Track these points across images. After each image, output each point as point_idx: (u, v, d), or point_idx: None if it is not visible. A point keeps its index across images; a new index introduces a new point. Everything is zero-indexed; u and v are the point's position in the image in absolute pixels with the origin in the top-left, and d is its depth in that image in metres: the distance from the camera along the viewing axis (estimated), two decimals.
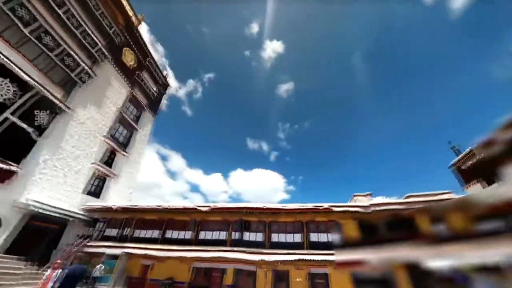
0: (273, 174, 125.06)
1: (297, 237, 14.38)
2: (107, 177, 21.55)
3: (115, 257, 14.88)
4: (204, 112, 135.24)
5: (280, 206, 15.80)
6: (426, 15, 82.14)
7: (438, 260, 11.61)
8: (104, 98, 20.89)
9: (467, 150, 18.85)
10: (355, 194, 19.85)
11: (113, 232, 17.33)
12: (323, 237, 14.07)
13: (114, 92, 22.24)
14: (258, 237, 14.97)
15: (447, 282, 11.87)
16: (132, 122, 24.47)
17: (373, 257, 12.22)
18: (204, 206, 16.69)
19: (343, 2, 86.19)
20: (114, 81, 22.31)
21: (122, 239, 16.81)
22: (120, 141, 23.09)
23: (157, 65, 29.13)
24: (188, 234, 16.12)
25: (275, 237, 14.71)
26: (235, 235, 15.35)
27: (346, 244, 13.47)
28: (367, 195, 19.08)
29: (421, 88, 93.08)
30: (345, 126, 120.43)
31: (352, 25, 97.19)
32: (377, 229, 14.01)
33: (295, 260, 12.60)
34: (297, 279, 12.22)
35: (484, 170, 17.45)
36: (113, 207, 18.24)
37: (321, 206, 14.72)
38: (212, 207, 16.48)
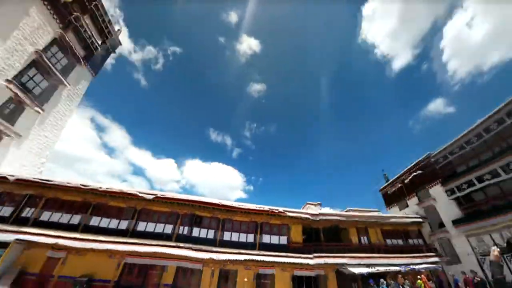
0: (233, 171, 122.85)
1: (250, 237, 14.75)
2: (3, 136, 15.73)
3: (3, 245, 11.09)
4: (163, 87, 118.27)
5: (237, 204, 15.77)
6: (376, 67, 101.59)
7: (360, 266, 14.26)
8: (14, 29, 15.02)
9: (390, 180, 24.58)
10: (308, 202, 22.05)
11: (5, 211, 12.79)
12: (274, 239, 15.00)
13: (33, 26, 16.31)
14: (210, 234, 14.44)
15: (364, 284, 14.68)
16: (57, 72, 18.71)
17: (313, 260, 13.97)
18: (149, 194, 14.74)
19: (317, 27, 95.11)
20: (35, 12, 16.37)
21: (18, 221, 12.66)
22: (33, 92, 17.26)
23: (105, 13, 23.31)
24: (123, 224, 13.77)
25: (227, 236, 14.57)
26: (184, 230, 14.28)
27: (293, 247, 15.19)
28: (317, 204, 21.56)
29: (370, 121, 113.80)
30: (307, 138, 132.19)
31: (323, 49, 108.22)
32: (319, 235, 16.35)
33: (246, 260, 12.88)
34: (245, 279, 12.50)
35: (397, 198, 23.36)
36: (8, 177, 13.53)
37: (277, 210, 15.68)
38: (159, 195, 14.73)
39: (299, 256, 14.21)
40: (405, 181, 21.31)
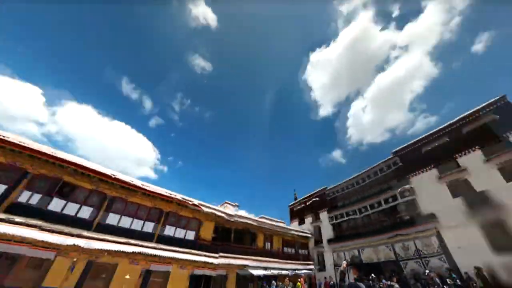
0: (145, 142, 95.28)
1: (149, 226, 11.30)
2: None
3: None
4: None
5: (139, 183, 12.11)
6: (308, 106, 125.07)
7: (259, 268, 14.59)
8: None
9: (297, 199, 28.43)
10: (227, 201, 20.69)
11: None
12: (179, 233, 12.37)
13: None
14: (84, 212, 9.72)
15: (258, 285, 15.00)
16: None
17: (218, 259, 12.58)
18: None
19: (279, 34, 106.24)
20: None
21: None
22: None
23: None
24: None
25: (113, 219, 10.40)
26: (35, 200, 8.83)
27: (201, 244, 13.19)
28: (235, 205, 20.61)
29: (294, 146, 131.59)
30: (240, 139, 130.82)
31: (275, 62, 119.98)
32: (230, 236, 15.61)
33: (134, 253, 9.42)
34: (127, 276, 8.88)
35: (299, 215, 27.04)
36: None
37: (192, 201, 13.47)
38: None
39: (204, 254, 12.46)
40: (307, 203, 25.29)
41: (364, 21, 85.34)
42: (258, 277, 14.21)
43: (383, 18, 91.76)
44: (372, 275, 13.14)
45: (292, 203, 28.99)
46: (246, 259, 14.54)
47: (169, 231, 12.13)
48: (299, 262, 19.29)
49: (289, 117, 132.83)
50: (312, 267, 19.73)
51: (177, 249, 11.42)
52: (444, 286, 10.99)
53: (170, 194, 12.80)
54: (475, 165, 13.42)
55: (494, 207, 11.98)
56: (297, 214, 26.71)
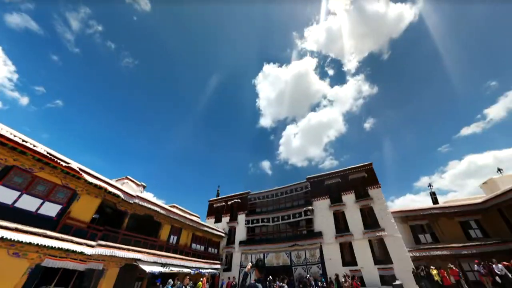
0: None
1: None
2: None
3: None
4: None
5: None
6: (252, 112, 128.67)
7: (155, 264, 12.74)
8: None
9: (219, 196, 28.84)
10: (128, 177, 16.83)
11: None
12: (31, 203, 8.63)
13: None
14: None
15: (149, 283, 13.29)
16: None
17: (95, 249, 9.68)
18: None
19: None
20: None
21: None
22: None
23: None
24: None
25: None
26: None
27: (69, 225, 9.12)
28: (140, 185, 17.64)
29: (229, 143, 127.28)
30: (167, 105, 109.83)
31: (227, 52, 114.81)
32: (123, 221, 12.60)
33: None
34: None
35: (217, 212, 27.45)
36: None
37: (70, 164, 9.58)
38: None
39: (71, 240, 9.10)
40: (228, 203, 26.31)
41: (309, 65, 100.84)
42: (152, 274, 12.11)
43: (322, 71, 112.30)
44: (270, 277, 15.81)
45: (213, 199, 29.27)
46: (140, 252, 12.11)
47: (9, 196, 8.06)
48: (206, 260, 18.55)
49: (231, 112, 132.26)
50: (218, 266, 19.53)
51: (15, 226, 7.51)
52: (316, 287, 15.20)
53: (20, 138, 8.17)
54: (350, 203, 19.46)
55: (348, 235, 17.97)
56: (216, 212, 27.14)
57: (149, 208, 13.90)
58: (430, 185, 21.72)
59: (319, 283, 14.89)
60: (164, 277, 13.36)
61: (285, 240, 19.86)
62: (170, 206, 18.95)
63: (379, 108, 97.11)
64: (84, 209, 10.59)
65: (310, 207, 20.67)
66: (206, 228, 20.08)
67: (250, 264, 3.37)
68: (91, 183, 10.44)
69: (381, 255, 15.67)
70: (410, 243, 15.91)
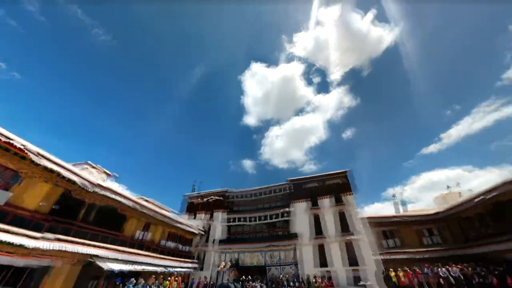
0: None
1: None
2: None
3: None
4: None
5: None
6: (238, 107, 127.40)
7: (117, 261, 10.88)
8: None
9: (196, 192, 27.70)
10: (89, 162, 14.88)
11: None
12: None
13: None
14: None
15: (107, 282, 11.13)
16: None
17: (42, 242, 8.28)
18: None
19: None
20: None
21: None
22: None
23: None
24: None
25: None
26: None
27: (9, 213, 7.69)
28: (108, 174, 15.85)
29: (214, 135, 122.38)
30: (146, 87, 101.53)
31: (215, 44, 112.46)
32: (79, 212, 10.85)
33: None
34: None
35: (195, 209, 26.07)
36: None
37: (12, 139, 8.12)
38: None
39: (7, 230, 7.79)
40: (206, 199, 25.20)
41: (296, 70, 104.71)
42: (111, 272, 10.86)
43: (308, 78, 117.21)
44: (243, 276, 15.35)
45: (190, 194, 27.83)
46: (97, 247, 10.71)
47: None
48: (178, 259, 17.26)
49: (214, 106, 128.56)
50: (190, 265, 18.24)
51: None
52: (288, 287, 15.09)
53: None
54: (326, 207, 20.01)
55: (323, 237, 18.39)
56: (193, 208, 25.85)
57: (112, 199, 12.29)
58: (394, 195, 23.47)
59: (291, 283, 14.80)
60: (126, 275, 12.00)
61: (262, 240, 19.59)
62: (138, 198, 17.34)
63: (358, 120, 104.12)
64: (29, 195, 8.98)
65: (288, 209, 20.76)
66: (179, 225, 18.84)
67: (223, 263, 3.33)
68: (38, 165, 8.82)
69: (351, 257, 16.27)
70: (377, 247, 16.72)
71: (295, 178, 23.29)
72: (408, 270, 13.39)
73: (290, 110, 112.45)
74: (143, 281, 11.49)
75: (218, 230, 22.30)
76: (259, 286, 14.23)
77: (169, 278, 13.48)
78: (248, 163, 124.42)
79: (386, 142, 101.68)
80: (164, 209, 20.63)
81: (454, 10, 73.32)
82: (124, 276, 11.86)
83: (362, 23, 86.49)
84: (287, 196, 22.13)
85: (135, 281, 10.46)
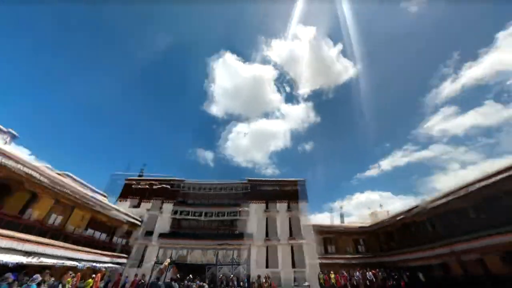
0: None
1: None
2: None
3: None
4: None
5: None
6: (202, 92, 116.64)
7: (14, 252, 8.88)
8: None
9: (142, 177, 23.96)
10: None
11: None
12: None
13: None
14: None
15: None
16: None
17: None
18: None
19: None
20: None
21: None
22: None
23: None
24: None
25: None
26: None
27: None
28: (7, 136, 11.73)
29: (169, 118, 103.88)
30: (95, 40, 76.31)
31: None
32: None
33: None
34: None
35: (136, 195, 22.02)
36: None
37: None
38: None
39: None
40: (153, 187, 22.09)
41: (270, 73, 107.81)
42: (2, 265, 8.55)
43: (280, 85, 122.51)
44: (190, 275, 14.35)
45: (133, 178, 23.76)
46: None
47: None
48: (108, 252, 14.49)
49: (177, 80, 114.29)
50: (123, 261, 15.53)
51: None
52: (238, 287, 15.22)
53: None
54: (282, 211, 21.39)
55: (276, 239, 19.71)
56: (134, 194, 22.11)
57: (16, 170, 9.10)
58: (341, 207, 27.62)
59: (241, 283, 15.03)
60: (29, 270, 9.35)
61: (215, 237, 18.92)
62: (59, 173, 13.55)
63: (317, 136, 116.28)
64: None
65: (246, 208, 20.97)
66: (114, 212, 15.83)
67: (169, 260, 2.95)
68: None
69: (298, 260, 17.96)
70: (321, 252, 19.16)
71: (254, 178, 23.76)
72: (344, 273, 15.65)
73: (259, 111, 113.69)
74: (53, 279, 8.99)
75: (166, 222, 20.13)
76: (206, 286, 13.73)
77: (93, 276, 11.22)
78: (208, 155, 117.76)
79: (337, 161, 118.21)
80: (96, 192, 17.01)
81: (396, 68, 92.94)
82: (27, 270, 9.00)
83: (331, 52, 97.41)
84: (245, 195, 22.31)
85: (40, 278, 8.02)
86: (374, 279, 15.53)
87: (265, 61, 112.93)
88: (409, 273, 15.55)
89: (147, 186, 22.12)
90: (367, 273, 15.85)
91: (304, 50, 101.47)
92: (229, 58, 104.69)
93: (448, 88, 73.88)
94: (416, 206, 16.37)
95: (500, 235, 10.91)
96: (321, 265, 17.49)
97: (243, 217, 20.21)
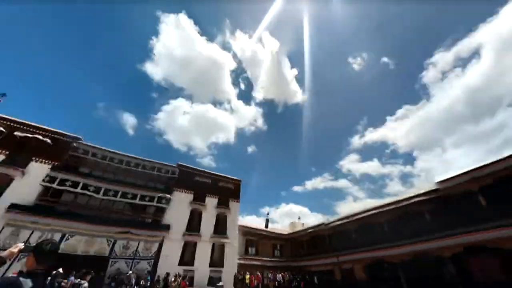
0: None
1: None
2: None
3: None
4: None
5: None
6: (142, 56, 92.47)
7: None
8: None
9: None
10: None
11: None
12: None
13: None
14: None
15: None
16: None
17: None
18: None
19: None
20: None
21: None
22: None
23: None
24: None
25: None
26: None
27: None
28: None
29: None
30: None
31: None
32: None
33: None
34: None
35: None
36: None
37: None
38: None
39: None
40: (16, 133, 13.44)
41: (228, 62, 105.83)
42: None
43: (236, 80, 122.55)
44: (60, 269, 9.34)
45: None
46: None
47: None
48: None
49: (118, 28, 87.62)
50: None
51: None
52: (135, 286, 11.12)
53: None
54: (210, 206, 19.08)
55: (197, 235, 17.00)
56: None
57: None
58: (267, 213, 28.69)
59: (142, 281, 11.33)
60: None
61: (115, 223, 13.82)
62: None
63: (263, 143, 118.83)
64: None
65: (168, 195, 17.21)
66: None
67: (20, 245, 1.98)
68: None
69: (217, 259, 16.15)
70: (242, 253, 18.14)
71: (186, 165, 20.65)
72: (258, 274, 15.57)
73: (208, 95, 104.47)
74: None
75: (31, 189, 12.96)
76: (86, 284, 9.48)
77: None
78: (129, 120, 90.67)
79: (274, 170, 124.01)
80: None
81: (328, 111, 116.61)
82: None
83: (288, 72, 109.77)
84: (170, 181, 18.65)
85: None
86: (282, 281, 16.44)
87: (226, 47, 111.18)
88: (308, 276, 17.80)
89: (3, 129, 13.51)
90: (277, 275, 16.60)
91: (266, 58, 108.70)
92: (185, 21, 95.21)
93: (357, 141, 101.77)
94: (322, 224, 19.90)
95: (362, 253, 15.43)
96: (240, 265, 16.44)
97: (162, 205, 16.31)
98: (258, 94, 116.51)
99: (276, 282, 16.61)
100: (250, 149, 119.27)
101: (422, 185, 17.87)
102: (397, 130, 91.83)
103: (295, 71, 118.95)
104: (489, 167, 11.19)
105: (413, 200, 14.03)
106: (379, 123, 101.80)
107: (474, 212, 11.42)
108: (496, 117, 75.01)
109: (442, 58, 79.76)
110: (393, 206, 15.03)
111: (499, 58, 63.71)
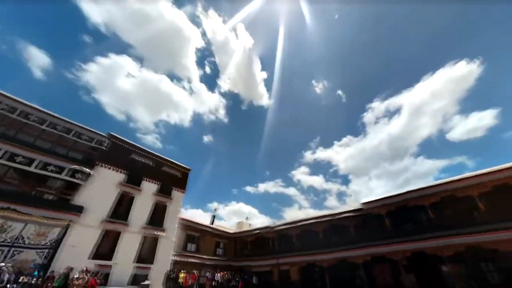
0: None
1: None
2: None
3: None
4: None
5: None
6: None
7: None
8: None
9: None
10: None
11: None
12: None
13: None
14: None
15: None
16: None
17: None
18: None
19: None
20: None
21: None
22: None
23: None
24: None
25: None
26: None
27: None
28: None
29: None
30: None
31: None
32: None
33: None
34: None
35: None
36: None
37: None
38: None
39: None
40: None
41: (196, 37, 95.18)
42: None
43: (201, 60, 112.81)
44: None
45: None
46: None
47: None
48: None
49: None
50: None
51: None
52: (11, 284, 7.16)
53: None
54: (147, 192, 15.82)
55: (123, 224, 13.36)
56: None
57: None
58: (215, 209, 26.79)
59: (22, 277, 7.68)
60: None
61: None
62: None
63: (221, 135, 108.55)
64: None
65: (87, 170, 13.10)
66: None
67: None
68: None
69: (146, 254, 13.24)
70: (179, 249, 15.57)
71: (123, 138, 16.70)
72: (195, 272, 14.07)
73: (164, 64, 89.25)
74: None
75: None
76: None
77: None
78: (42, 59, 62.17)
79: (228, 166, 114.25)
80: None
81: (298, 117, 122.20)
82: None
83: (258, 73, 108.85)
84: (95, 152, 14.46)
85: None
86: (220, 280, 15.27)
87: (195, 21, 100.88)
88: (248, 276, 17.85)
89: None
90: (216, 274, 15.33)
91: (238, 50, 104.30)
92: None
93: (309, 156, 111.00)
94: (268, 226, 20.59)
95: (299, 256, 16.89)
96: (175, 262, 14.02)
97: (76, 181, 12.19)
98: (224, 84, 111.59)
99: (214, 282, 14.99)
100: (206, 138, 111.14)
101: (352, 204, 21.28)
102: (340, 154, 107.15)
103: (265, 74, 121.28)
104: (391, 198, 14.66)
105: (343, 215, 16.54)
106: (328, 145, 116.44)
107: (381, 230, 14.62)
108: (403, 161, 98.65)
109: (378, 106, 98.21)
110: (328, 218, 17.23)
111: (411, 119, 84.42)
